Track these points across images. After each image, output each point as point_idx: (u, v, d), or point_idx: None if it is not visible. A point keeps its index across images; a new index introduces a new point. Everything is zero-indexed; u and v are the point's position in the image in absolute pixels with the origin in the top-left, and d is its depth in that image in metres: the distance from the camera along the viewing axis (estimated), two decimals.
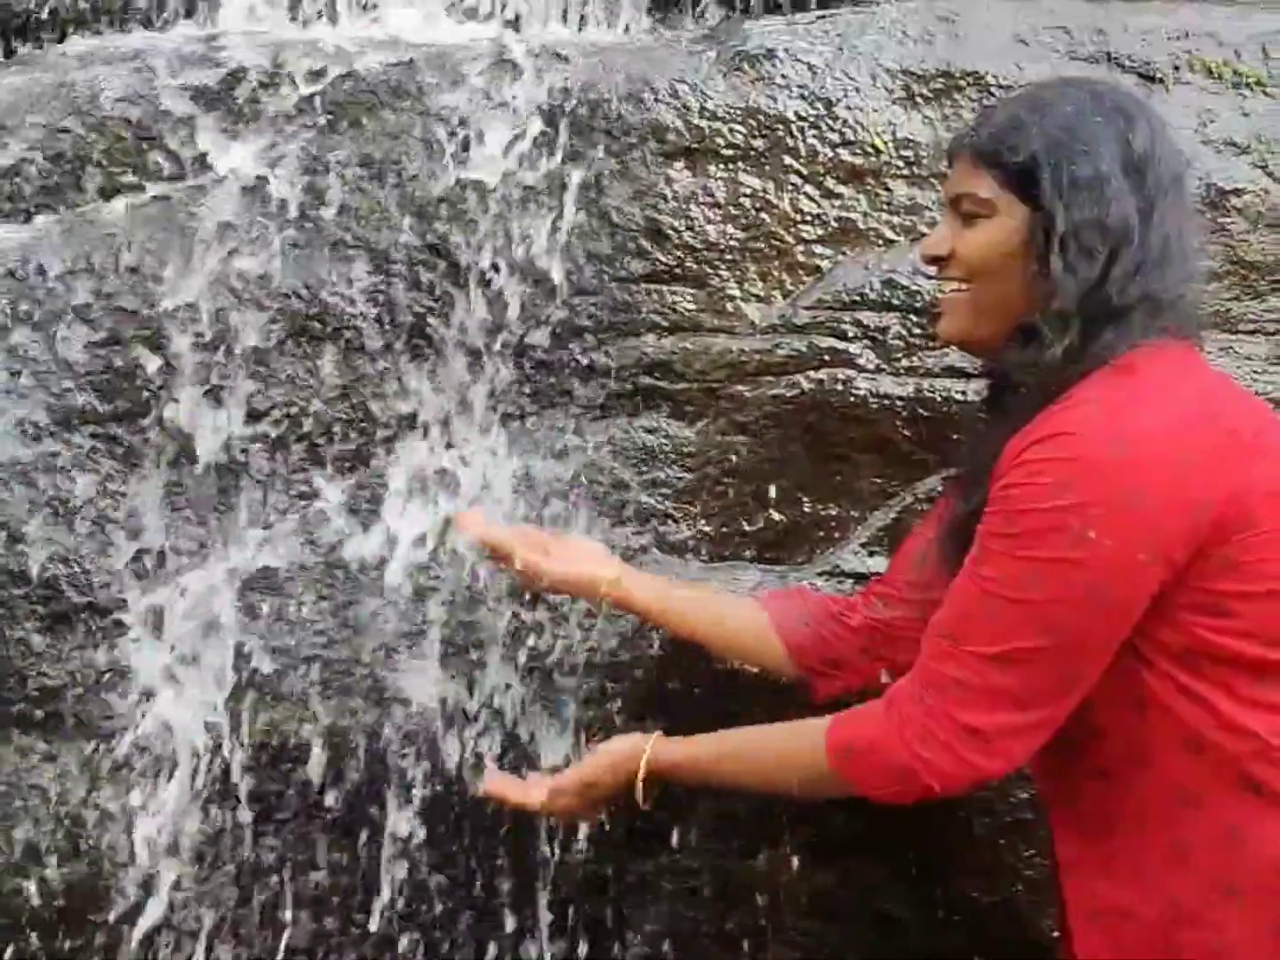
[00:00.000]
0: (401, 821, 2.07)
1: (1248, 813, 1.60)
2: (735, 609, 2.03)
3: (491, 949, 2.14)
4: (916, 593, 1.91)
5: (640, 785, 1.85)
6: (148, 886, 2.05)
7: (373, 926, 2.10)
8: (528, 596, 2.10)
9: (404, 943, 2.10)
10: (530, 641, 2.11)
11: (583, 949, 2.16)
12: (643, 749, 1.86)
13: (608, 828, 2.10)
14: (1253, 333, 2.26)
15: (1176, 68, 2.31)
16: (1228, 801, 1.61)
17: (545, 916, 2.15)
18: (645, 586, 2.01)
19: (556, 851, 2.12)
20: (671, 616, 2.00)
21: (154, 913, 2.05)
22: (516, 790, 1.93)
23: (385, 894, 2.11)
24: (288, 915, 2.09)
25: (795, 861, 2.21)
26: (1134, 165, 1.68)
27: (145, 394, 2.09)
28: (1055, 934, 2.16)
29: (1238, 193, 2.26)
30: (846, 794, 1.73)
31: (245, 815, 2.06)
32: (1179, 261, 1.70)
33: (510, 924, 2.13)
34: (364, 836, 2.11)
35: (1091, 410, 1.60)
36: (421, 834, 2.10)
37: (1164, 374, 1.65)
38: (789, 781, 1.79)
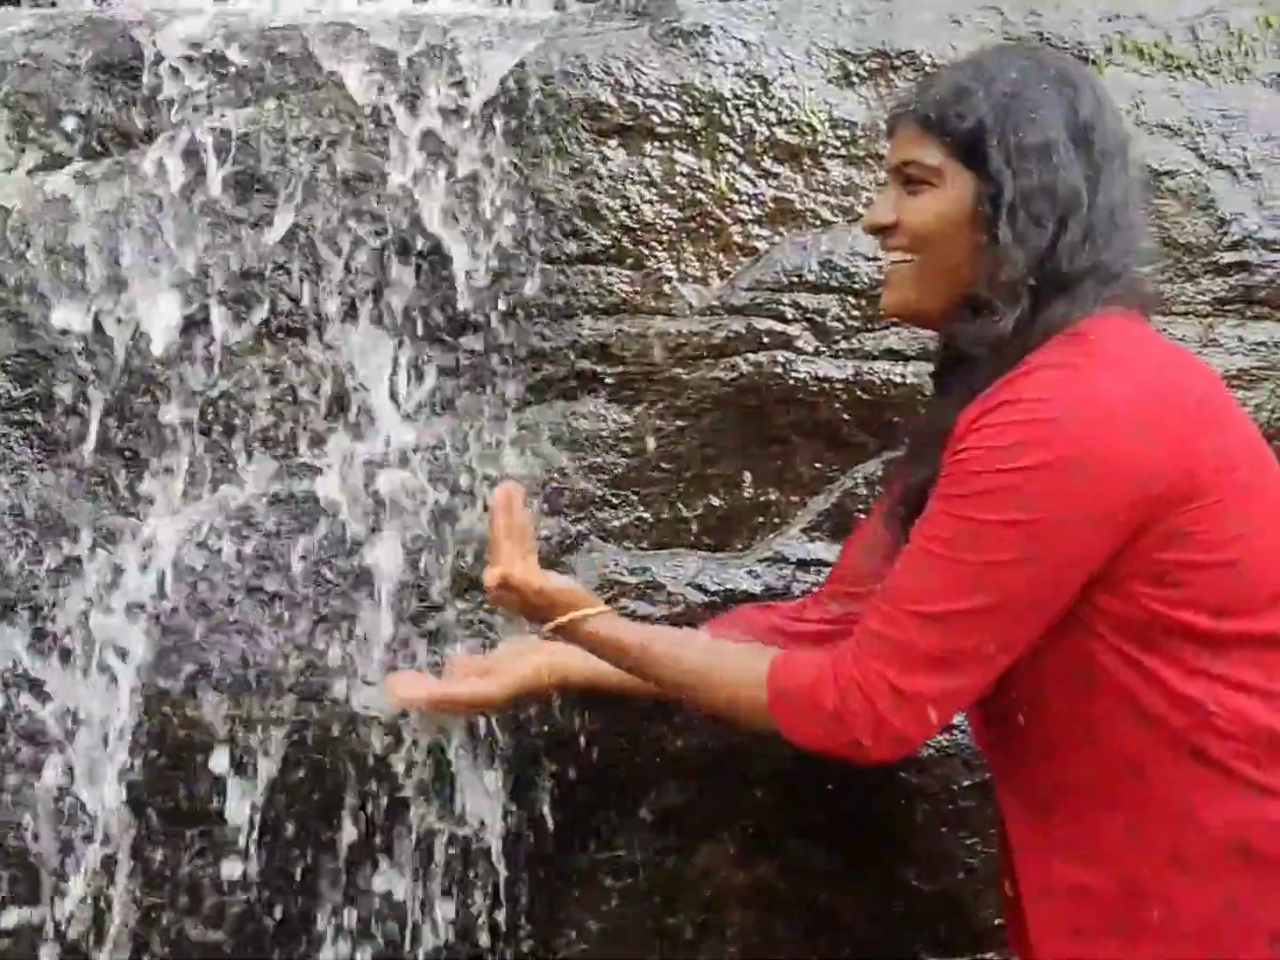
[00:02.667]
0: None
1: (1197, 785, 1.60)
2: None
3: (429, 942, 2.06)
4: (867, 585, 1.87)
5: (555, 623, 1.80)
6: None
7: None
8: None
9: (340, 945, 2.02)
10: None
11: (523, 945, 2.10)
12: (586, 601, 1.81)
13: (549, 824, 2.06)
14: (1185, 314, 2.26)
15: (1109, 49, 2.31)
16: (1177, 774, 1.60)
17: (482, 913, 2.08)
18: (586, 661, 1.91)
19: (494, 844, 2.05)
20: (622, 678, 1.91)
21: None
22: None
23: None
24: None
25: (735, 854, 2.18)
26: (1081, 132, 1.67)
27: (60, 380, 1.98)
28: (997, 922, 2.18)
29: (1170, 174, 2.27)
30: (774, 732, 1.69)
31: None
32: (1126, 231, 1.69)
33: (447, 920, 2.06)
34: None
35: (1047, 376, 1.59)
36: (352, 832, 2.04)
37: (1118, 342, 1.64)
38: (724, 707, 1.76)
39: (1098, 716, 1.62)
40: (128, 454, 2.01)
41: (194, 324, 2.04)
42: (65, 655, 1.96)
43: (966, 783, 2.18)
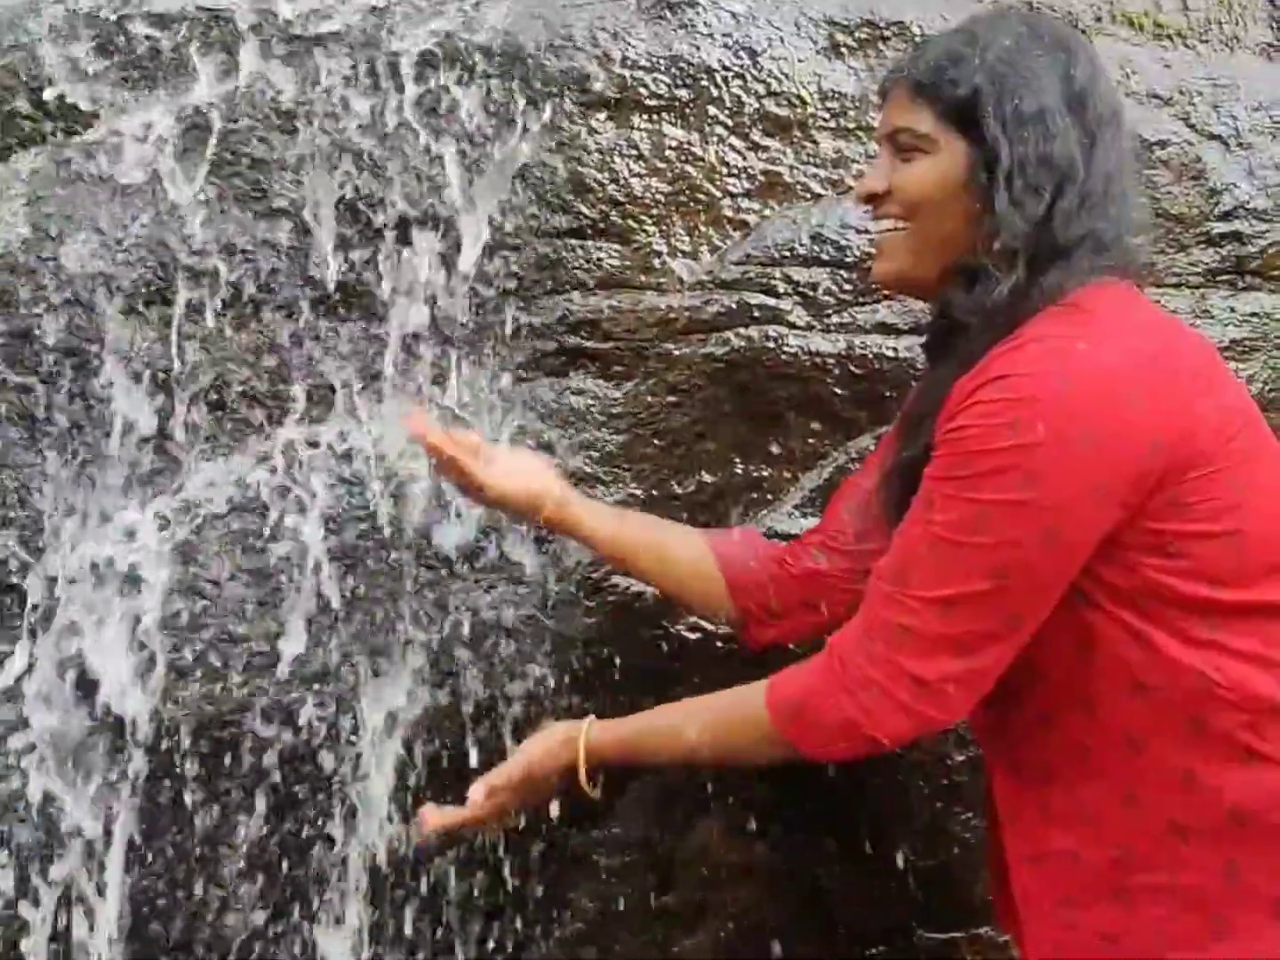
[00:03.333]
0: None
1: (1196, 755, 1.59)
2: (682, 542, 1.97)
3: (423, 926, 2.05)
4: (852, 543, 1.88)
5: (584, 773, 1.78)
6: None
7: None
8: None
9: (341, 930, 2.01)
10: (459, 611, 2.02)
11: (519, 925, 2.08)
12: (577, 737, 1.79)
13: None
14: (1177, 286, 2.25)
15: (1098, 18, 2.30)
16: (1175, 744, 1.59)
17: (479, 893, 2.07)
18: (591, 511, 1.94)
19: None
20: (617, 544, 1.92)
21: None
22: (455, 812, 1.81)
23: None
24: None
25: (730, 832, 2.17)
26: (1076, 99, 1.65)
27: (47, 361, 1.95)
28: (990, 896, 2.17)
29: (1162, 144, 2.26)
30: (791, 756, 1.67)
31: None
32: (1120, 199, 1.67)
33: (445, 900, 2.05)
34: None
35: (1041, 349, 1.57)
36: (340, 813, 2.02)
37: (1113, 312, 1.62)
38: (734, 749, 1.74)
39: (1096, 687, 1.61)
40: (116, 436, 1.98)
41: (175, 301, 1.99)
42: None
43: (960, 758, 2.18)
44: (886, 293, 2.15)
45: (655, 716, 1.79)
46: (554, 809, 1.81)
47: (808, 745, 1.65)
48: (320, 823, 1.99)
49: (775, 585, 1.93)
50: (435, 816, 1.80)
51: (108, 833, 1.92)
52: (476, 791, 1.78)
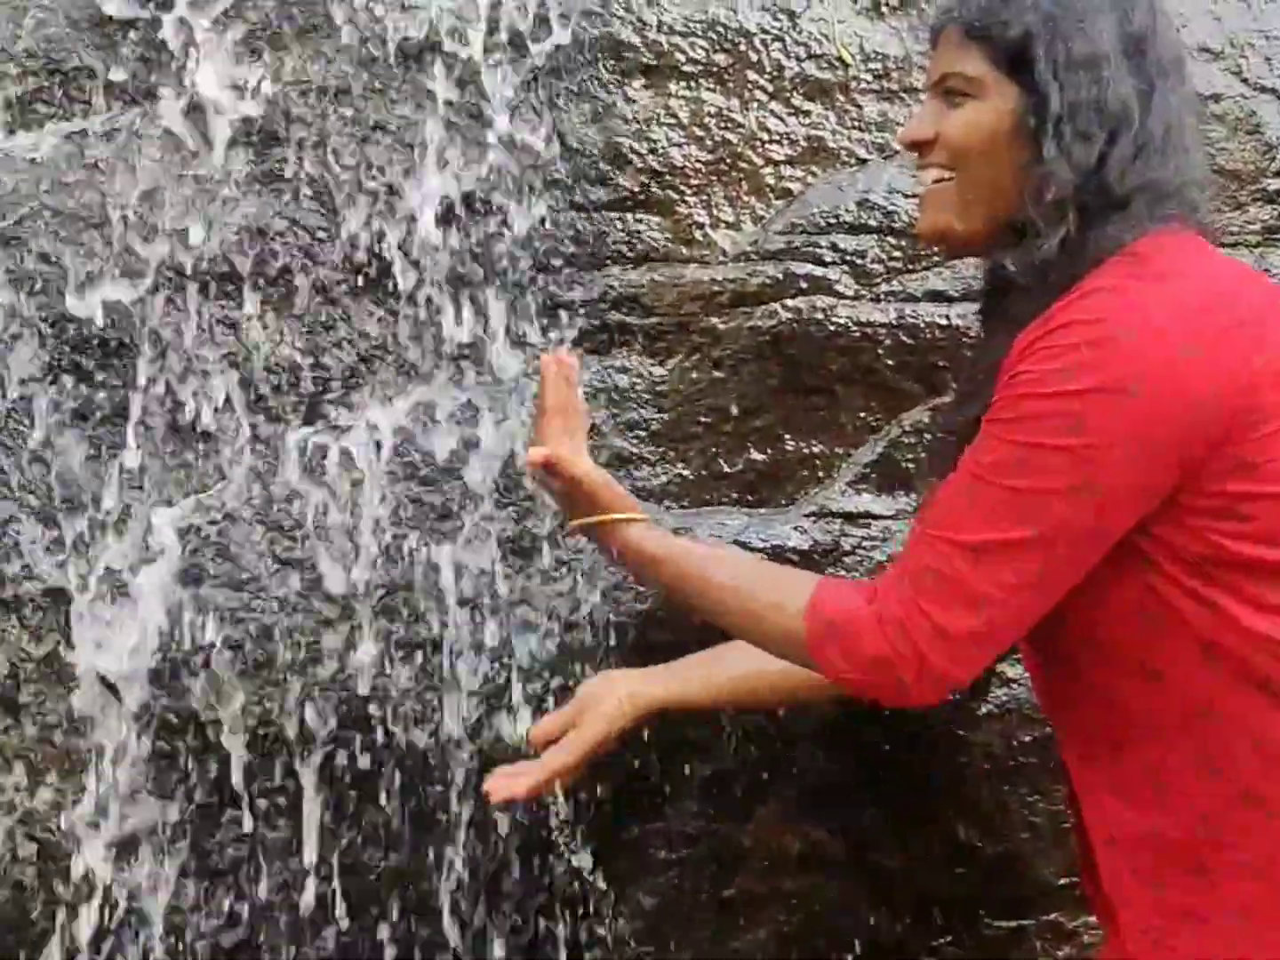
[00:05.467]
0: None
1: (1268, 719, 1.53)
2: (767, 664, 1.82)
3: (475, 922, 1.99)
4: None
5: (576, 526, 1.73)
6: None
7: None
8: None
9: (383, 927, 1.95)
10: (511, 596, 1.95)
11: (576, 922, 2.03)
12: (622, 512, 1.71)
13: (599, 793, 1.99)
14: (1234, 245, 2.19)
15: None
16: (1246, 710, 1.53)
17: (533, 890, 2.01)
18: (661, 681, 1.88)
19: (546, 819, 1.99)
20: (704, 691, 1.87)
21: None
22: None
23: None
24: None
25: (788, 819, 2.11)
26: (1133, 44, 1.59)
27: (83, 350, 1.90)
28: (1061, 881, 2.11)
29: (1216, 99, 2.20)
30: (810, 668, 1.60)
31: None
32: (1180, 149, 1.61)
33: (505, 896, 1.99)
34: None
35: (1102, 298, 1.51)
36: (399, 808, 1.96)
37: (1176, 260, 1.56)
38: (755, 630, 1.66)
39: (1163, 655, 1.55)
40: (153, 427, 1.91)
41: (209, 288, 1.93)
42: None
43: (1027, 738, 2.11)
44: (938, 259, 2.09)
45: (695, 551, 1.72)
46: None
47: (833, 667, 1.57)
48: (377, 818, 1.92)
49: None
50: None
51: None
52: (535, 453, 1.70)
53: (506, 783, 1.79)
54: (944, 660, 1.52)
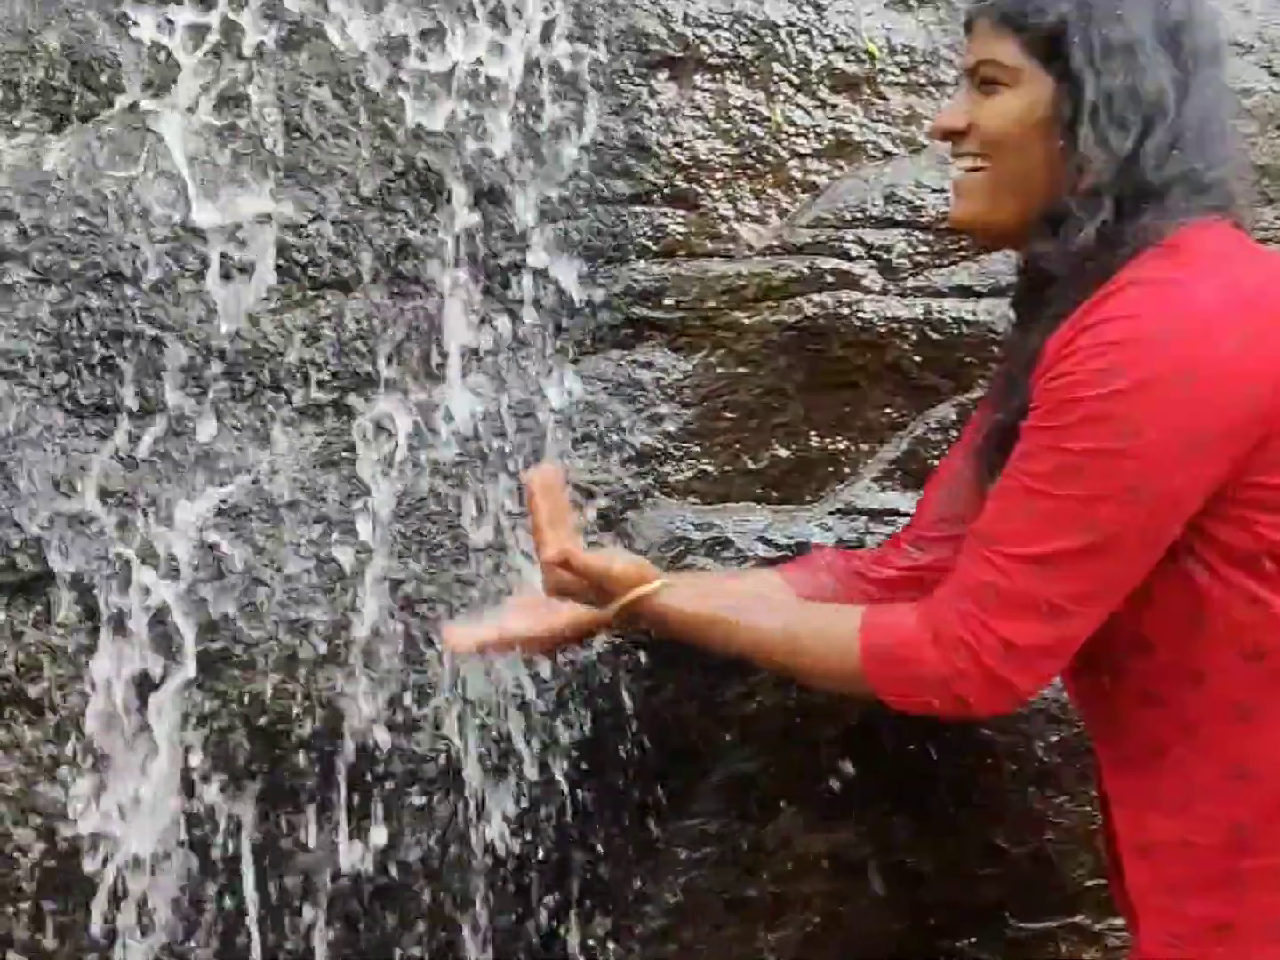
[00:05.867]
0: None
1: None
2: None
3: (501, 922, 1.97)
4: (951, 529, 1.78)
5: (618, 610, 1.69)
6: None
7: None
8: None
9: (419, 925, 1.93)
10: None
11: (595, 922, 2.01)
12: (648, 588, 1.68)
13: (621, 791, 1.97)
14: (1265, 241, 2.14)
15: None
16: None
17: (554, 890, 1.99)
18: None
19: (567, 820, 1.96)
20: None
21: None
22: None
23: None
24: None
25: (812, 820, 2.09)
26: (1170, 32, 1.57)
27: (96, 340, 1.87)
28: (1089, 883, 2.09)
29: (1246, 93, 2.17)
30: (868, 697, 1.61)
31: None
32: (1217, 139, 1.60)
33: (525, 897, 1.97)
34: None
35: (1139, 292, 1.50)
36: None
37: (1214, 252, 1.54)
38: (811, 672, 1.67)
39: (1207, 656, 1.53)
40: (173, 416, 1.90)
41: (229, 278, 1.91)
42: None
43: (1054, 738, 2.10)
44: (965, 254, 2.07)
45: (735, 605, 1.71)
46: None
47: (892, 694, 1.59)
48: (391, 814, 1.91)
49: (864, 600, 1.81)
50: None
51: None
52: (551, 550, 1.67)
53: (461, 633, 1.79)
54: (1015, 673, 1.52)
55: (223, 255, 1.91)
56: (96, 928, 1.87)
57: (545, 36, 1.98)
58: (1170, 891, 1.58)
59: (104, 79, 1.93)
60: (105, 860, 1.87)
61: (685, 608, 1.70)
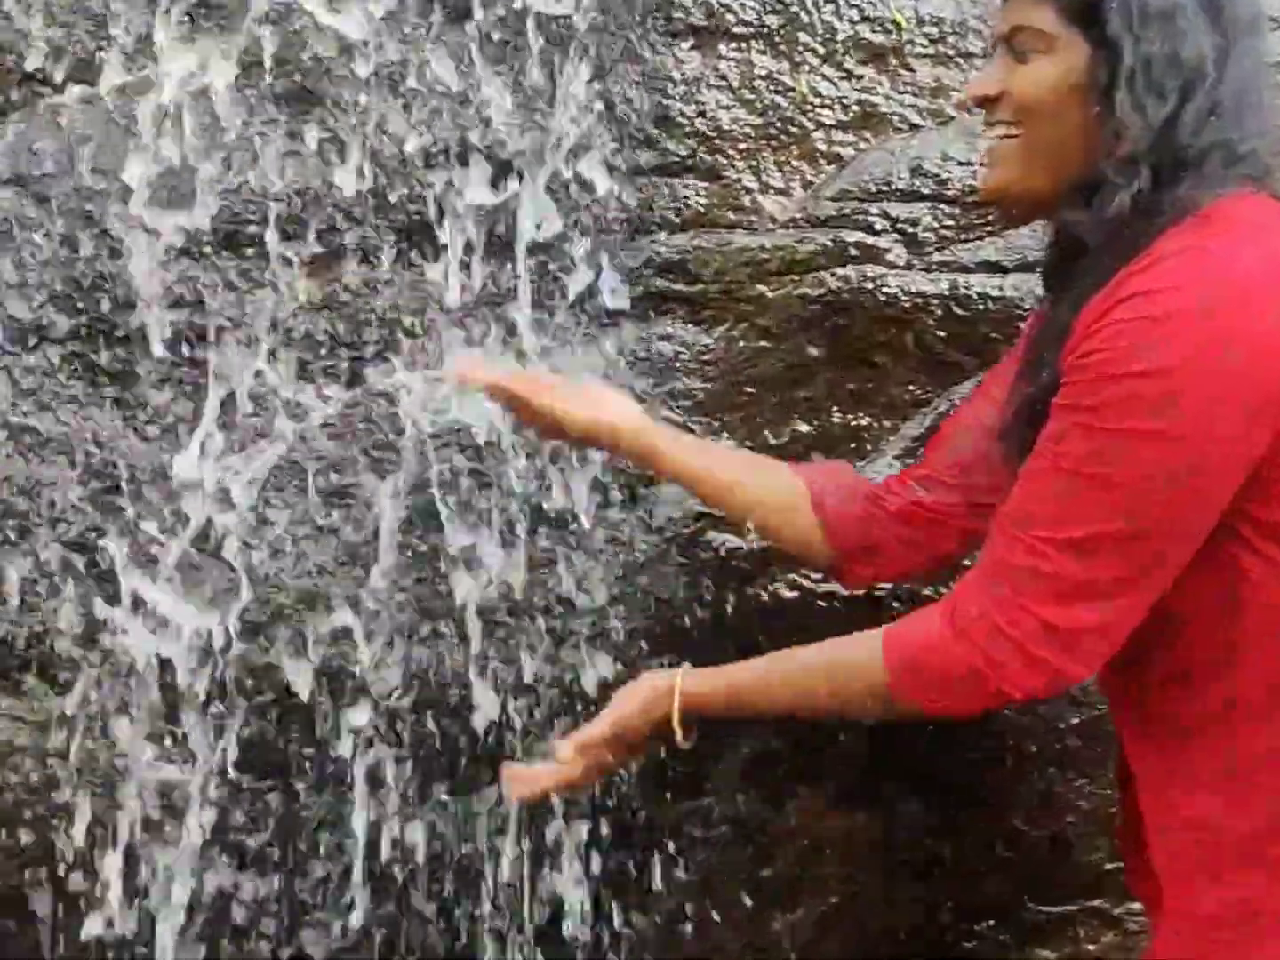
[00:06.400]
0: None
1: None
2: (772, 477, 1.85)
3: (512, 901, 1.96)
4: (959, 476, 1.78)
5: (677, 723, 1.67)
6: None
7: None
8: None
9: (430, 907, 1.91)
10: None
11: (609, 901, 1.99)
12: (673, 685, 1.68)
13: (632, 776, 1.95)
14: None
15: None
16: None
17: (570, 870, 1.97)
18: (673, 442, 1.82)
19: (581, 801, 1.94)
20: (702, 478, 1.81)
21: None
22: (547, 774, 1.71)
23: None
24: None
25: (830, 801, 2.07)
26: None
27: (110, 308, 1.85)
28: (1108, 866, 2.07)
29: None
30: (909, 714, 1.57)
31: None
32: (1257, 109, 1.56)
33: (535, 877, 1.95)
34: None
35: (1175, 265, 1.46)
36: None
37: (1252, 222, 1.50)
38: (844, 705, 1.63)
39: (1243, 636, 1.50)
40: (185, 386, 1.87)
41: (246, 246, 1.89)
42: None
43: (1074, 720, 2.07)
44: (991, 229, 2.04)
45: (759, 666, 1.69)
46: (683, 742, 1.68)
47: (932, 704, 1.55)
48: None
49: (871, 521, 1.82)
50: (524, 779, 1.72)
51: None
52: (564, 750, 1.69)
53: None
54: (1060, 658, 1.48)
55: (245, 221, 1.89)
56: None
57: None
58: (1199, 872, 1.55)
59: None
60: None
61: (717, 688, 1.68)
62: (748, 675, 1.68)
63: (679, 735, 1.68)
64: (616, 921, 2.00)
